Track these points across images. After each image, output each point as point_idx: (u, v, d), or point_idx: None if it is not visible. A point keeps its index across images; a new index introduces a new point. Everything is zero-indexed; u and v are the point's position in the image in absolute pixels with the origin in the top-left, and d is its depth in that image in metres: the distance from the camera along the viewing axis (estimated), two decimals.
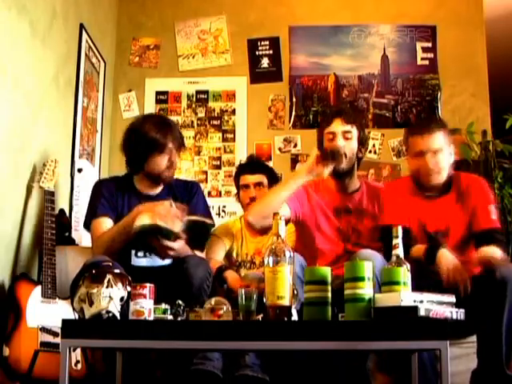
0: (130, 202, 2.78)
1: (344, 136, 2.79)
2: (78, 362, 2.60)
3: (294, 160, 4.32)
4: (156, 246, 2.59)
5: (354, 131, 2.82)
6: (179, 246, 2.59)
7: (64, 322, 1.89)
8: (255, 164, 3.31)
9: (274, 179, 3.26)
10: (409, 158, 2.78)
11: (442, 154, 2.67)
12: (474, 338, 2.45)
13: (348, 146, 2.79)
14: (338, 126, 2.81)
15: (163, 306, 2.09)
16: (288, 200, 2.75)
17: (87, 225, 2.78)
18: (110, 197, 2.78)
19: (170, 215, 2.53)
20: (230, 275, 2.95)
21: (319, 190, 2.88)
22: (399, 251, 2.01)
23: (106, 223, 2.71)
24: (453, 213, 2.69)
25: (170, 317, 2.07)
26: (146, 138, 2.74)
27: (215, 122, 4.43)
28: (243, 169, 3.26)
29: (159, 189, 2.86)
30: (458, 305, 1.95)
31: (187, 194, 2.88)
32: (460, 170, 3.93)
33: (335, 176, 2.83)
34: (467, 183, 2.74)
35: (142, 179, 2.84)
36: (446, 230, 2.68)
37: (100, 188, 2.84)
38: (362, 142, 2.86)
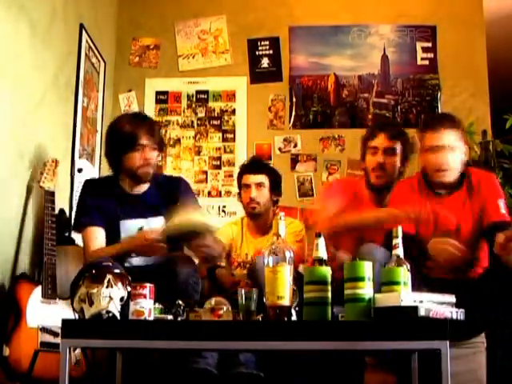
0: (120, 203, 2.79)
1: (386, 152, 2.83)
2: (78, 361, 2.60)
3: (294, 160, 4.32)
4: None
5: (398, 147, 2.84)
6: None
7: (64, 321, 1.89)
8: (257, 164, 3.32)
9: (275, 180, 3.26)
10: (420, 154, 2.77)
11: (453, 151, 2.65)
12: (473, 339, 2.45)
13: (389, 161, 2.83)
14: (381, 141, 2.84)
15: (156, 305, 2.09)
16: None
17: (77, 228, 2.81)
18: (99, 202, 2.77)
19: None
20: (221, 273, 2.97)
21: (355, 200, 2.88)
22: (399, 251, 2.01)
23: (98, 235, 2.73)
24: (463, 210, 2.67)
25: (170, 317, 2.07)
26: (118, 136, 2.77)
27: (215, 122, 4.43)
28: (245, 169, 3.27)
29: (145, 187, 2.85)
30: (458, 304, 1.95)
31: (173, 191, 2.86)
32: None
33: (373, 190, 2.87)
34: (478, 179, 2.72)
35: (125, 179, 2.84)
36: (457, 228, 2.65)
37: (88, 191, 2.84)
38: (406, 157, 2.88)
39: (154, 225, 2.78)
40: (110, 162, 2.87)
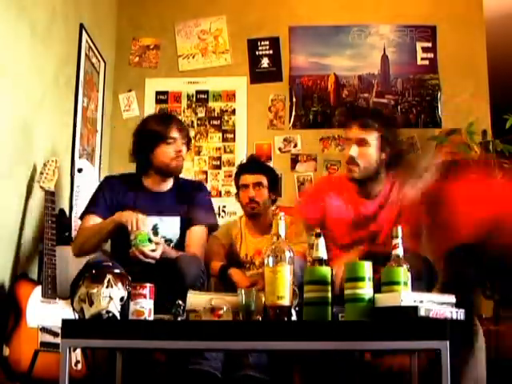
0: (138, 199, 2.83)
1: (360, 143, 2.68)
2: (78, 361, 2.60)
3: (294, 160, 4.32)
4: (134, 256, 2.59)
5: (372, 138, 2.68)
6: (157, 254, 2.61)
7: (64, 321, 1.89)
8: (255, 164, 3.31)
9: (274, 179, 3.25)
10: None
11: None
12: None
13: (363, 153, 2.68)
14: (354, 133, 2.70)
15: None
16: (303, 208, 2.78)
17: (82, 216, 2.90)
18: (111, 195, 2.83)
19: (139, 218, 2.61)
20: (236, 273, 2.96)
21: (341, 194, 2.80)
22: (399, 251, 2.01)
23: (92, 222, 2.81)
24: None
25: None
26: (149, 131, 2.85)
27: (215, 122, 4.43)
28: (243, 169, 3.26)
29: (167, 186, 2.90)
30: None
31: (191, 195, 2.91)
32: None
33: (355, 181, 2.75)
34: None
35: (151, 176, 2.90)
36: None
37: (103, 185, 2.95)
38: (387, 145, 2.71)
39: (168, 224, 2.83)
40: (137, 160, 2.93)
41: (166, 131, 2.83)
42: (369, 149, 2.69)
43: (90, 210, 2.86)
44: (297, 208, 2.93)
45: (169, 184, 2.93)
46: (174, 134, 2.84)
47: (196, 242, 2.86)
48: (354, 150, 2.68)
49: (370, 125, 2.70)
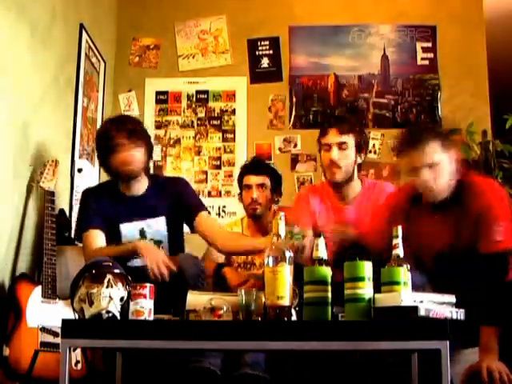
0: (117, 206, 2.80)
1: (339, 147, 2.81)
2: (78, 361, 2.60)
3: (294, 160, 4.32)
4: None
5: (350, 140, 2.82)
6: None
7: (64, 321, 1.89)
8: (258, 165, 3.32)
9: (277, 181, 3.26)
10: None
11: (438, 167, 2.34)
12: None
13: (343, 156, 2.80)
14: (332, 138, 2.83)
15: None
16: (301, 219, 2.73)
17: (79, 236, 2.83)
18: (99, 206, 2.79)
19: (160, 261, 2.57)
20: (229, 272, 2.97)
21: (322, 199, 2.89)
22: (399, 251, 2.01)
23: (98, 237, 2.74)
24: (457, 229, 2.38)
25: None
26: (98, 142, 2.85)
27: (215, 122, 4.43)
28: (247, 169, 3.27)
29: (143, 189, 2.85)
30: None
31: (175, 192, 2.88)
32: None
33: (333, 185, 2.87)
34: (474, 191, 2.36)
35: (120, 182, 2.84)
36: (444, 249, 2.40)
37: (88, 198, 2.87)
38: (361, 147, 2.86)
39: (154, 226, 2.80)
40: (103, 168, 2.90)
41: (110, 139, 2.73)
42: (348, 151, 2.82)
43: (87, 225, 2.77)
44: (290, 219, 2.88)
45: (143, 186, 2.85)
46: (118, 140, 2.73)
47: (216, 228, 2.90)
48: (335, 153, 2.81)
49: (347, 129, 2.84)
